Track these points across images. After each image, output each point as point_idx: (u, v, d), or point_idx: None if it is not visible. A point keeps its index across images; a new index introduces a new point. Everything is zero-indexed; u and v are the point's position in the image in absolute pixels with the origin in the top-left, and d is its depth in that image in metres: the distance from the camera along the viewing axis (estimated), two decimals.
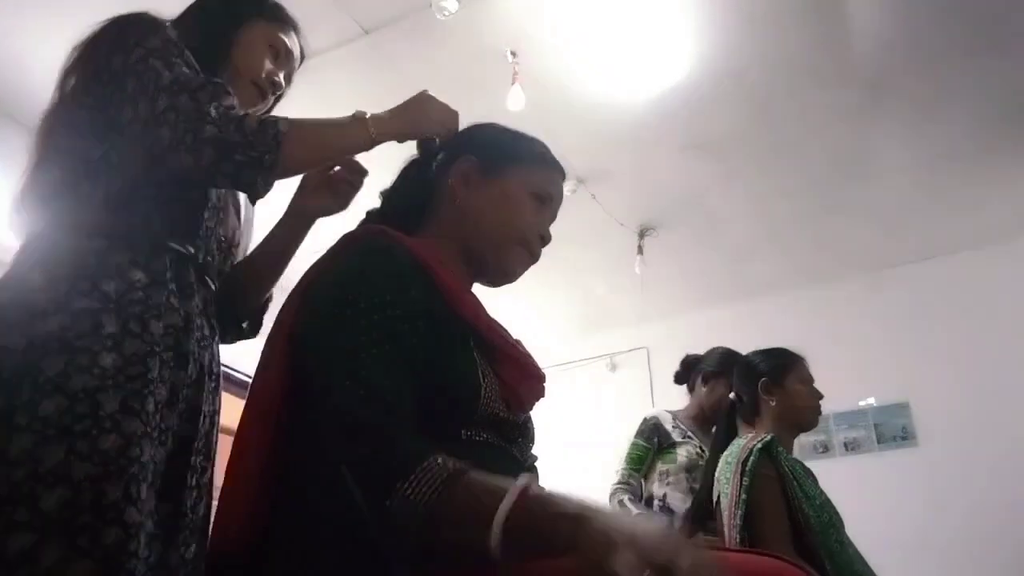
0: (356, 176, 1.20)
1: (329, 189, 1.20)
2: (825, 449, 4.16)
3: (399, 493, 0.67)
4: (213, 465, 1.07)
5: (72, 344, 0.88)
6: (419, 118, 1.10)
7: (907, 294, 4.28)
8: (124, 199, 1.00)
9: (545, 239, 1.05)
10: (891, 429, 4.13)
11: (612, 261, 4.15)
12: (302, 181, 1.21)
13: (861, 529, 2.27)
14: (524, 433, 0.94)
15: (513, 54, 2.76)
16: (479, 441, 0.85)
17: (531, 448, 0.99)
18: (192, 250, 1.06)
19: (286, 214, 1.23)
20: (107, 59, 1.03)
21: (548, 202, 1.06)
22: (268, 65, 1.22)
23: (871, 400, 4.17)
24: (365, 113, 1.07)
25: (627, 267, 4.05)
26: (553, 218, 1.08)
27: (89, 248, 0.96)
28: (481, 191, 1.02)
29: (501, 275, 1.04)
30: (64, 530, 0.80)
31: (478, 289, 1.04)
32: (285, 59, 1.25)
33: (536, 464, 1.03)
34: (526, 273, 1.06)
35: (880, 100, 3.09)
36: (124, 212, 1.00)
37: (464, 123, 1.14)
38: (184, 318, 1.01)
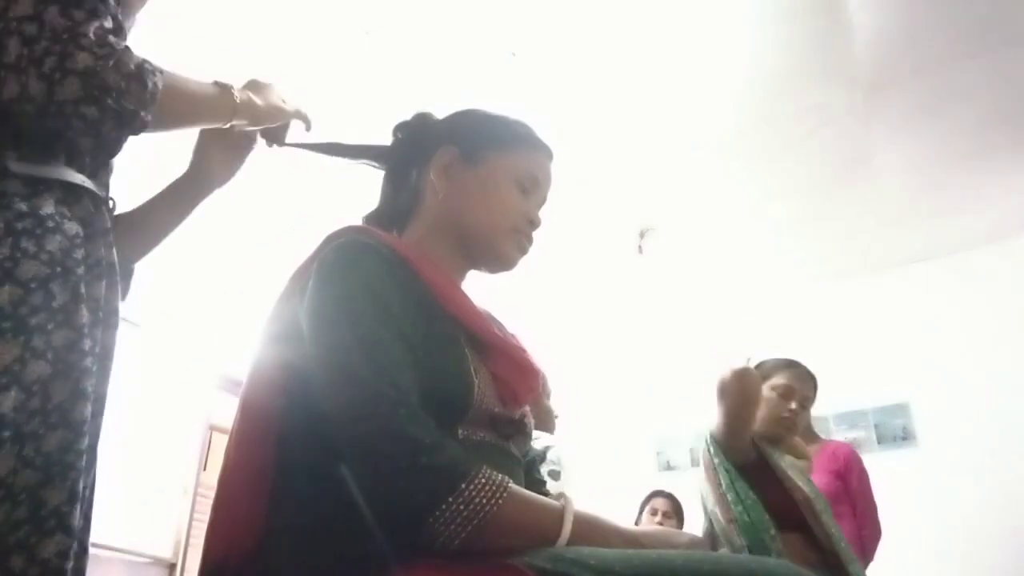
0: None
1: (237, 157, 1.12)
2: None
3: (459, 496, 0.69)
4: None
5: (27, 323, 0.77)
6: (274, 113, 1.05)
7: (907, 294, 4.29)
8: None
9: (535, 224, 1.01)
10: (891, 429, 4.13)
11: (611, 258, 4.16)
12: (205, 153, 1.10)
13: None
14: (521, 428, 0.93)
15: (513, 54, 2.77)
16: (477, 440, 0.84)
17: (528, 443, 0.98)
18: (104, 192, 0.93)
19: (188, 178, 1.12)
20: None
21: (534, 186, 1.02)
22: None
23: (871, 400, 4.17)
24: (231, 86, 0.99)
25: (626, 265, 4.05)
26: (543, 201, 1.05)
27: (13, 192, 0.81)
28: (463, 182, 0.99)
29: (497, 265, 1.01)
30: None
31: (477, 280, 1.03)
32: None
33: (535, 458, 1.02)
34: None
35: (880, 101, 3.09)
36: (39, 131, 0.83)
37: None
38: (109, 270, 0.91)
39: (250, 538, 0.80)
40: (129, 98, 0.81)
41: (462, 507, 0.69)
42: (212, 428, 4.03)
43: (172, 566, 3.55)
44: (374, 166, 1.12)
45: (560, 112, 3.05)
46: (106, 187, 0.95)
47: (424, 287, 0.86)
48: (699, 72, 2.93)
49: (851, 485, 2.74)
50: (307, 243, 1.26)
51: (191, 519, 3.70)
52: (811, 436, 2.89)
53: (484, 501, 0.70)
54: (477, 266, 1.02)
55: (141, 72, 0.83)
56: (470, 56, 2.78)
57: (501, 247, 0.99)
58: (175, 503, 3.62)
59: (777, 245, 4.17)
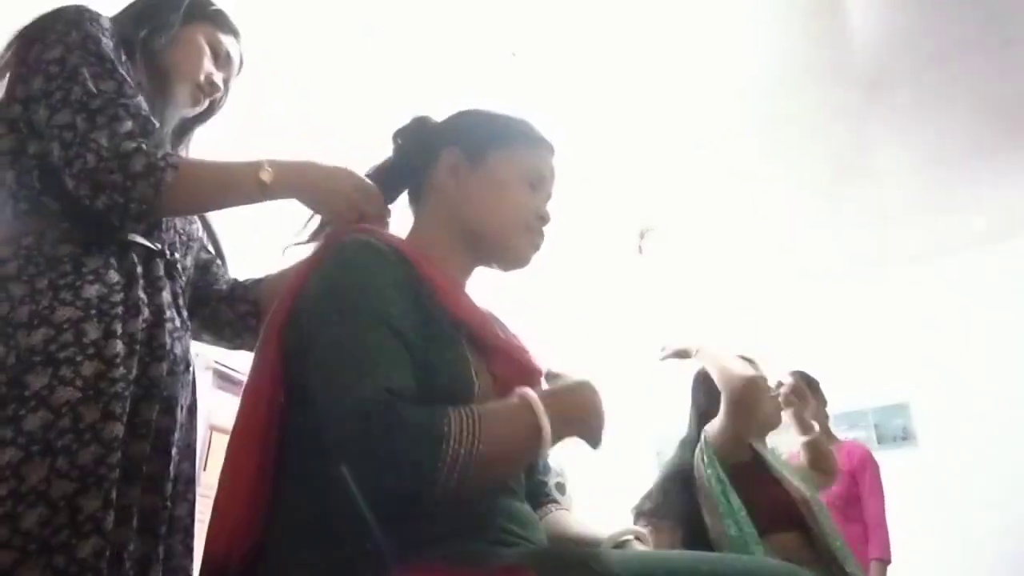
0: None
1: None
2: None
3: (451, 453, 0.71)
4: (195, 456, 1.09)
5: (56, 357, 0.90)
6: (323, 198, 1.05)
7: (907, 294, 4.29)
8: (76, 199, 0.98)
9: (544, 219, 1.02)
10: (891, 429, 4.13)
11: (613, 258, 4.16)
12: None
13: None
14: None
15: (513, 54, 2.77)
16: None
17: None
18: (159, 245, 1.07)
19: None
20: (28, 51, 1.02)
21: (541, 182, 1.02)
22: (207, 67, 1.20)
23: (871, 400, 4.17)
24: (264, 163, 1.02)
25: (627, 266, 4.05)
26: (549, 196, 1.05)
27: (63, 254, 0.96)
28: (471, 181, 0.99)
29: (512, 263, 1.02)
30: (42, 548, 0.82)
31: (477, 279, 1.03)
32: (225, 62, 1.24)
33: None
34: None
35: (880, 100, 3.09)
36: (84, 212, 0.98)
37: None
38: (155, 312, 1.02)
39: (250, 538, 0.80)
40: (133, 194, 0.94)
41: (458, 449, 0.71)
42: (212, 428, 4.02)
43: None
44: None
45: (561, 112, 3.04)
46: (162, 241, 1.09)
47: (426, 287, 0.86)
48: (699, 72, 2.93)
49: (863, 486, 2.76)
50: (308, 242, 1.26)
51: None
52: (829, 437, 2.87)
53: (469, 437, 0.73)
54: (489, 264, 1.02)
55: (148, 171, 0.95)
56: (470, 56, 2.78)
57: (516, 246, 1.00)
58: None
59: (777, 245, 4.17)
